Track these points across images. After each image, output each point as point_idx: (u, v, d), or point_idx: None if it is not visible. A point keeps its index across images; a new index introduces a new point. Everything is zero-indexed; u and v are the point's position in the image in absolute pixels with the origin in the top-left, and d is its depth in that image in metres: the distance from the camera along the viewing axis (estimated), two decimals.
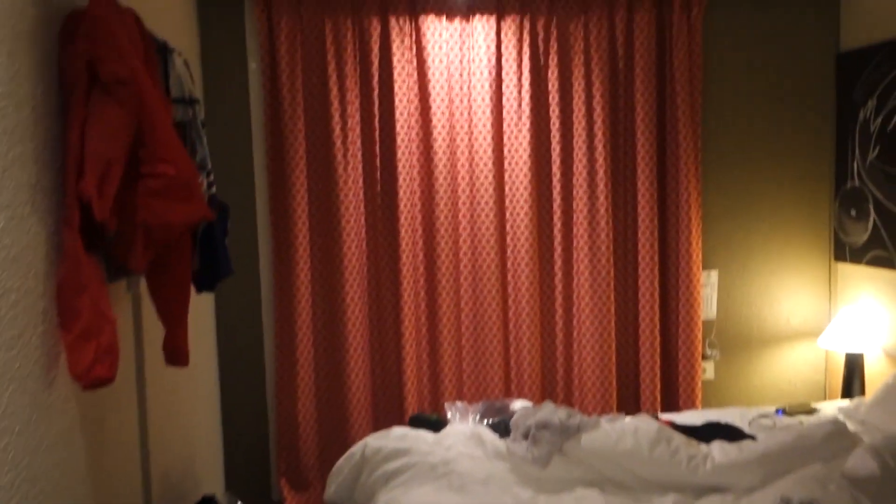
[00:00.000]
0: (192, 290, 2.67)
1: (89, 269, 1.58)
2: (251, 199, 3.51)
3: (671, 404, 3.80)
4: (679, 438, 2.45)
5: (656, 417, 2.98)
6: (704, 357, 3.86)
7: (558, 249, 3.68)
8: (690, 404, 3.73)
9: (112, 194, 1.59)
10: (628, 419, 2.62)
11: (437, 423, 2.85)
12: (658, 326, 3.72)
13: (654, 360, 3.70)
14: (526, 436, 2.49)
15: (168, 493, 2.39)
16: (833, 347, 3.73)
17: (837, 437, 2.44)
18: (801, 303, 3.94)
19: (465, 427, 2.75)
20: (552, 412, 2.53)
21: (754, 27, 3.79)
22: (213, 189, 2.68)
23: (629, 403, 3.79)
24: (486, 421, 2.82)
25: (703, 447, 2.48)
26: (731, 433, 2.85)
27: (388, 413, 3.60)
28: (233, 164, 3.47)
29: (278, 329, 3.49)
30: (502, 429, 2.68)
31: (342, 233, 3.48)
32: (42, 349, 1.49)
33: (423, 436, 2.71)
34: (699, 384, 3.74)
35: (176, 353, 2.01)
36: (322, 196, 3.50)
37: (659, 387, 3.73)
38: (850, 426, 3.07)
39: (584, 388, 3.70)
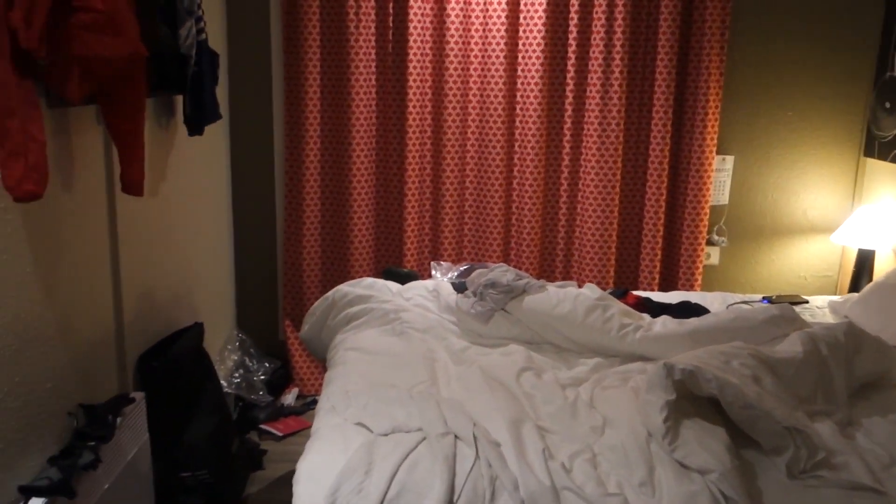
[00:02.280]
0: (184, 132, 2.86)
1: (19, 93, 1.73)
2: (267, 56, 3.61)
3: (670, 285, 3.82)
4: (617, 308, 2.51)
5: (626, 291, 3.03)
6: (711, 242, 3.83)
7: (568, 122, 3.66)
8: (689, 287, 3.74)
9: (39, 25, 1.71)
10: (577, 287, 2.69)
11: (406, 276, 2.99)
12: (664, 206, 3.69)
13: (657, 239, 3.70)
14: (476, 293, 2.61)
15: (149, 314, 2.65)
16: (847, 243, 3.63)
17: (779, 321, 2.45)
18: (820, 196, 3.81)
19: (429, 282, 2.89)
20: (503, 273, 2.62)
21: None
22: (204, 36, 2.79)
23: (628, 281, 3.84)
24: (450, 278, 2.94)
25: (646, 320, 2.54)
26: (696, 313, 2.89)
27: (386, 267, 3.77)
28: (249, 14, 3.55)
29: (288, 181, 3.65)
30: (461, 287, 2.80)
31: (352, 88, 3.54)
32: None
33: (389, 286, 2.87)
34: (700, 268, 3.73)
35: (130, 183, 2.19)
36: (334, 52, 3.56)
37: (658, 267, 3.74)
38: (831, 319, 3.06)
39: (583, 262, 3.75)
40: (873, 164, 3.67)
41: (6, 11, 1.70)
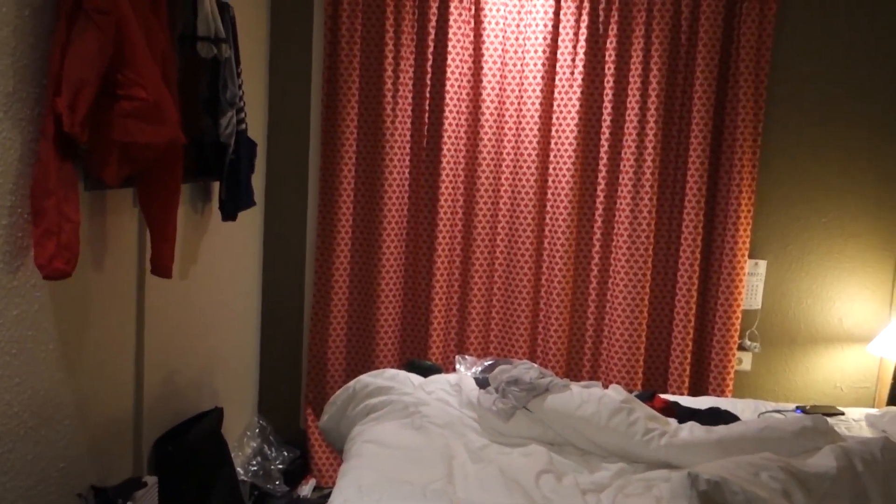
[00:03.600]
0: (219, 217, 2.92)
1: (58, 175, 1.79)
2: (305, 147, 3.71)
3: (700, 390, 3.72)
4: (642, 412, 2.44)
5: (654, 394, 2.96)
6: (743, 348, 3.74)
7: (598, 221, 3.67)
8: (720, 392, 3.65)
9: (84, 111, 1.79)
10: (602, 388, 2.63)
11: (429, 369, 2.96)
12: (695, 310, 3.64)
13: (687, 343, 3.64)
14: (498, 390, 2.56)
15: (169, 397, 2.64)
16: (885, 354, 3.52)
17: (811, 433, 2.36)
18: (857, 304, 3.73)
19: (451, 376, 2.85)
20: (526, 370, 2.58)
21: (833, 17, 3.58)
22: (244, 126, 2.89)
23: (657, 384, 3.75)
24: (474, 373, 2.90)
25: (673, 426, 2.47)
26: (724, 420, 2.80)
27: (409, 359, 3.74)
28: (290, 107, 3.67)
29: (318, 268, 3.69)
30: (484, 382, 2.75)
31: (385, 180, 3.61)
32: (6, 239, 1.72)
33: (411, 378, 2.84)
34: (731, 373, 3.64)
35: (159, 265, 2.22)
36: (369, 145, 3.64)
37: (688, 370, 3.66)
38: (869, 433, 2.94)
39: (611, 363, 3.69)
40: None
41: (53, 96, 1.78)
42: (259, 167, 3.41)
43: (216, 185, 2.90)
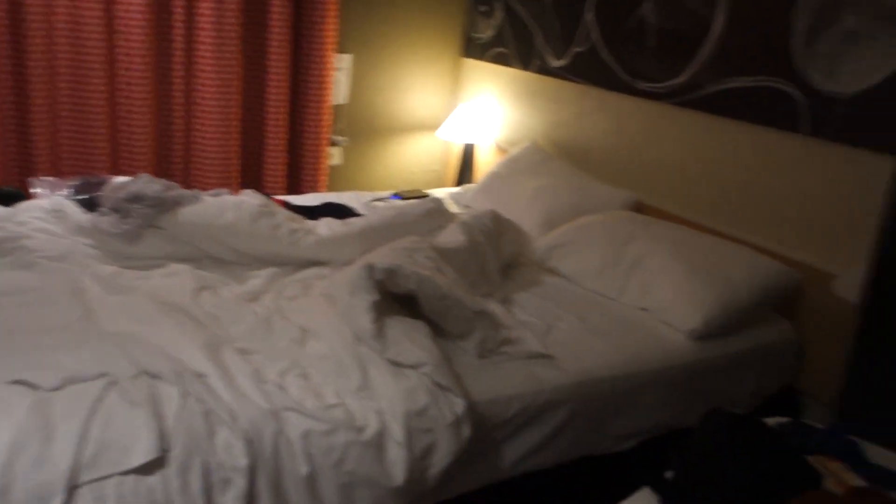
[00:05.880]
0: None
1: None
2: None
3: (296, 187, 3.75)
4: (283, 214, 2.37)
5: (270, 197, 2.88)
6: (333, 142, 3.82)
7: (179, 18, 3.27)
8: (315, 188, 3.72)
9: None
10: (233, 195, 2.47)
11: (12, 196, 2.45)
12: (287, 107, 3.56)
13: (281, 140, 3.57)
14: (116, 209, 2.23)
15: None
16: (451, 139, 3.91)
17: (435, 214, 2.56)
18: (427, 94, 4.03)
19: (45, 202, 2.40)
20: (147, 184, 2.28)
21: None
22: None
23: (253, 184, 3.66)
24: (73, 196, 2.49)
25: (309, 223, 2.45)
26: (343, 212, 2.88)
27: None
28: None
29: None
30: (91, 204, 2.38)
31: None
32: None
33: None
34: (325, 168, 3.72)
35: None
36: None
37: (284, 169, 3.64)
38: (457, 209, 3.29)
39: (205, 166, 3.47)
40: (472, 63, 3.97)
41: None
42: None
43: None
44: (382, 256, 1.97)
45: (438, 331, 1.99)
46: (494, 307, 2.17)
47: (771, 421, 1.55)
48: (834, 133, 2.32)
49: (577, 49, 3.28)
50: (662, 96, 2.89)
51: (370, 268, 1.87)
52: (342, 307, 1.89)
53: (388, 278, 1.89)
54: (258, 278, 2.20)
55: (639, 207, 2.98)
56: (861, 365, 1.81)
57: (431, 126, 4.09)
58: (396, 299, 1.99)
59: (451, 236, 2.36)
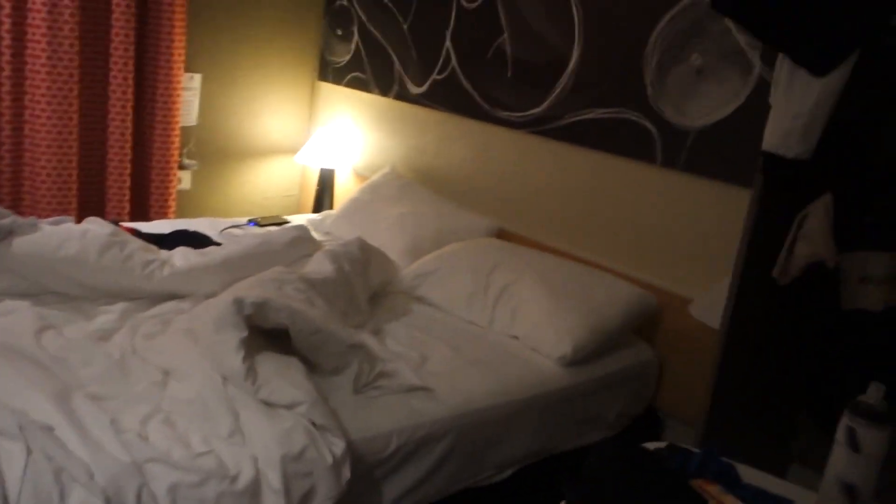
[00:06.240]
0: None
1: None
2: None
3: (142, 213, 3.50)
4: (135, 244, 2.19)
5: (117, 224, 2.67)
6: (182, 166, 3.61)
7: (6, 33, 2.99)
8: (163, 214, 3.49)
9: None
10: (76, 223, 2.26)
11: None
12: (131, 127, 3.33)
13: (125, 163, 3.33)
14: None
15: None
16: (308, 163, 3.80)
17: (300, 242, 2.46)
18: (283, 117, 3.91)
19: None
20: None
21: None
22: None
23: (94, 210, 3.39)
24: None
25: (164, 253, 2.28)
26: (198, 241, 2.71)
27: None
28: None
29: None
30: None
31: None
32: None
33: None
34: (174, 193, 3.51)
35: None
36: None
37: (129, 195, 3.39)
38: (317, 236, 3.19)
39: (38, 192, 3.17)
40: (328, 87, 3.90)
41: None
42: None
43: None
44: (249, 289, 1.86)
45: (311, 367, 1.89)
46: (368, 339, 2.10)
47: (650, 446, 1.57)
48: (684, 164, 2.45)
49: (437, 76, 3.29)
50: (523, 125, 2.94)
51: (239, 302, 1.75)
52: (207, 345, 1.75)
53: (258, 312, 1.78)
54: (109, 314, 2.01)
55: (502, 234, 3.01)
56: (722, 385, 1.90)
57: (288, 150, 3.96)
58: (262, 333, 1.88)
59: (318, 266, 2.27)
